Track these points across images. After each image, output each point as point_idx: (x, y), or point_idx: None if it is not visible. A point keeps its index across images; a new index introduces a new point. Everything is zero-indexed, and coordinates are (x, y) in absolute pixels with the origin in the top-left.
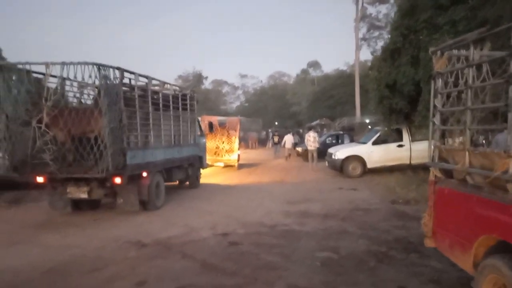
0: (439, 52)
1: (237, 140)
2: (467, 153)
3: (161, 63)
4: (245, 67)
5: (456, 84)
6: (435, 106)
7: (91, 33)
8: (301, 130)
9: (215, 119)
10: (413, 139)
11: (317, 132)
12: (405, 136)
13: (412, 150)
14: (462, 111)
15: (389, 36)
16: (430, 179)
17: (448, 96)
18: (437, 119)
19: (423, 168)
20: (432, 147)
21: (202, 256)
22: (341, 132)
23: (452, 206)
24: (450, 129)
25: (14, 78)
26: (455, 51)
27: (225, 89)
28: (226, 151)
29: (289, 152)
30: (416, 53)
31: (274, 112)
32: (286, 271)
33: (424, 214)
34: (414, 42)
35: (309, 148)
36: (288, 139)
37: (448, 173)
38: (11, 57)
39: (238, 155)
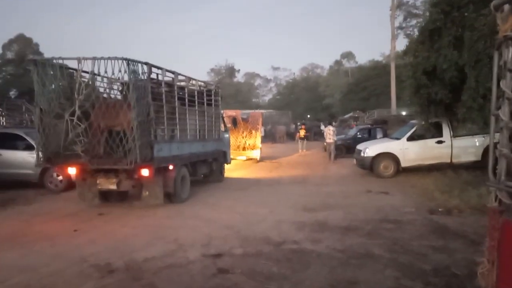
0: (506, 7)
1: (259, 135)
2: None
3: (193, 56)
4: (277, 60)
5: None
6: (500, 91)
7: (126, 27)
8: (333, 123)
9: (238, 112)
10: (454, 135)
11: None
12: (446, 131)
13: (453, 147)
14: None
15: (428, 14)
16: (491, 207)
17: None
18: (504, 112)
19: (467, 168)
20: (496, 154)
21: None
22: (373, 126)
23: None
24: None
25: (48, 73)
26: None
27: (257, 82)
28: (248, 146)
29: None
30: (460, 33)
31: (306, 104)
32: None
33: (482, 258)
34: (458, 20)
35: (328, 141)
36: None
37: None
38: (48, 52)
39: (260, 148)
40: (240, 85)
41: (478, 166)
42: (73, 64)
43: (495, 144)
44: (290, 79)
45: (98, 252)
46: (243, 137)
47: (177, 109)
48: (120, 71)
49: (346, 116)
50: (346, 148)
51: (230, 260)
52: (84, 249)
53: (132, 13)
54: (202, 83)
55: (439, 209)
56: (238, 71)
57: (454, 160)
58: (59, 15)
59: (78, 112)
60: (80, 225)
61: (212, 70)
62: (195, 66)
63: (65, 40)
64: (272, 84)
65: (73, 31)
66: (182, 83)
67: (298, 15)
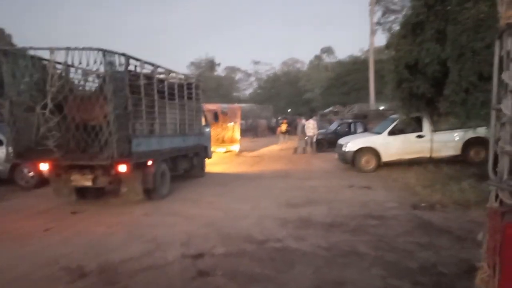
0: None
1: (238, 128)
2: None
3: (173, 49)
4: (258, 54)
5: None
6: (502, 84)
7: (106, 20)
8: (314, 117)
9: (218, 106)
10: (435, 129)
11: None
12: (426, 125)
13: (433, 141)
14: None
15: (408, 8)
16: (491, 207)
17: None
18: (507, 106)
19: (447, 162)
20: (497, 152)
21: None
22: (352, 120)
23: None
24: None
25: (20, 63)
26: None
27: (238, 76)
28: (228, 139)
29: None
30: (443, 26)
31: (287, 99)
32: None
33: (481, 263)
34: (441, 14)
35: (308, 134)
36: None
37: None
38: (23, 45)
39: (239, 141)
40: (221, 79)
41: (458, 160)
42: (46, 55)
43: (496, 141)
44: (271, 74)
45: (70, 253)
46: (222, 129)
47: (156, 102)
48: (95, 62)
49: (327, 110)
50: (328, 142)
51: (211, 260)
52: (56, 250)
53: (112, 5)
54: (182, 76)
55: (422, 204)
56: (219, 64)
57: (434, 155)
58: (35, 5)
59: (50, 105)
60: (52, 223)
61: (192, 63)
62: (174, 59)
63: (42, 32)
64: (252, 79)
65: (50, 22)
66: (162, 76)
67: (278, 9)
